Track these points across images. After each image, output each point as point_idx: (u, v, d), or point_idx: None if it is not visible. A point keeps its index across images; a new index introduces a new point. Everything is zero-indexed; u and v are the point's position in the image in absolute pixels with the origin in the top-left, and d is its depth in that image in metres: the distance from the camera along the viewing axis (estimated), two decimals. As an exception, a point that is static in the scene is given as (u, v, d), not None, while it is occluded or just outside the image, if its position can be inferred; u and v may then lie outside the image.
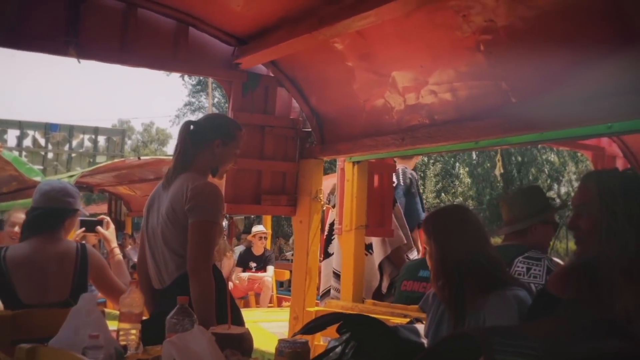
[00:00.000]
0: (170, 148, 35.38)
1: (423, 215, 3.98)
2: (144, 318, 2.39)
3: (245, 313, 3.55)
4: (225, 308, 2.35)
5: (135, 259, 3.37)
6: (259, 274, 7.95)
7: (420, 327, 2.36)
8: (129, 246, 8.97)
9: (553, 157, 17.68)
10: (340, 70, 3.25)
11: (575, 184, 17.22)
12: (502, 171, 14.29)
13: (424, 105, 2.98)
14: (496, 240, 3.33)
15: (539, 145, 13.91)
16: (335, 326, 2.07)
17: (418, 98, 2.99)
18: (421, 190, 4.92)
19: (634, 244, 1.75)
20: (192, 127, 2.74)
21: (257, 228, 8.46)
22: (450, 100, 2.84)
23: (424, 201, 5.03)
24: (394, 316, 3.10)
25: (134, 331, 2.19)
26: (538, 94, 2.41)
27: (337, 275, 3.91)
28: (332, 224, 4.08)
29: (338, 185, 3.83)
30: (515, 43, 2.39)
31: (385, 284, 3.93)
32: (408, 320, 2.83)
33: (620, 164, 3.89)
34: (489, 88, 2.62)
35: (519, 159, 16.04)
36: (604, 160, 3.95)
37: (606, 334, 1.74)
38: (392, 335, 2.18)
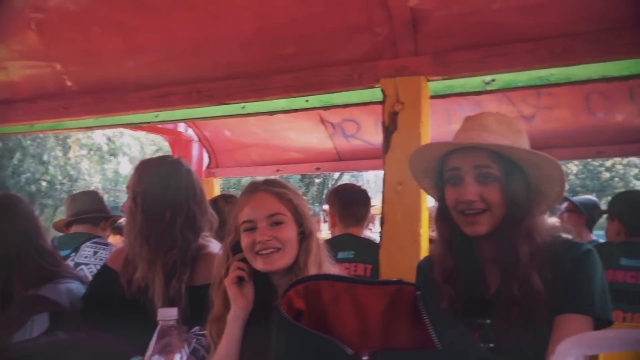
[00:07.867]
0: None
1: None
2: None
3: None
4: None
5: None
6: None
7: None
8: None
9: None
10: None
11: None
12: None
13: (-28, 84, 2.70)
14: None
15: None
16: None
17: (-36, 75, 2.68)
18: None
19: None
20: None
21: None
22: (4, 79, 2.64)
23: None
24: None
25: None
26: (93, 78, 2.42)
27: None
28: None
29: None
30: (68, 24, 2.34)
31: None
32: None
33: (196, 147, 4.20)
34: (43, 69, 2.52)
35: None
36: (180, 144, 4.18)
37: None
38: None
